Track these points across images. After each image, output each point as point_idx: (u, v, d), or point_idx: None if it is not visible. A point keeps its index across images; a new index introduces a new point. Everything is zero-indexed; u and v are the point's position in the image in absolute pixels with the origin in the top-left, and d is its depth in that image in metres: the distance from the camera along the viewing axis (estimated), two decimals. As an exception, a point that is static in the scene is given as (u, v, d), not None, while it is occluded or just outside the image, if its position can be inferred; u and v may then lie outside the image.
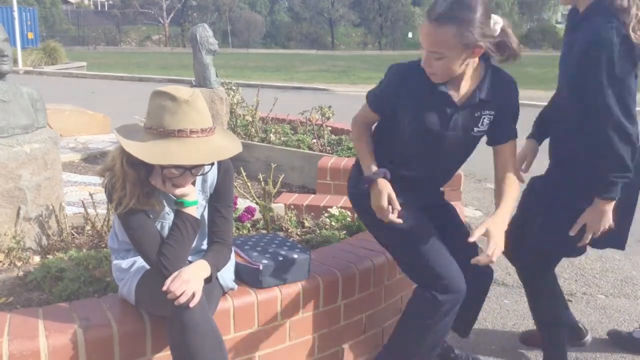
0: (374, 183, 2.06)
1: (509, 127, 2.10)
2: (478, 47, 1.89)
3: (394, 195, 2.02)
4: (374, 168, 2.11)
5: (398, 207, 2.01)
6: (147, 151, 1.71)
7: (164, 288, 1.71)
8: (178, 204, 1.86)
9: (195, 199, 1.88)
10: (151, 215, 1.86)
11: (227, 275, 2.03)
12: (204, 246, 2.04)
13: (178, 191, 1.83)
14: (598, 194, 2.10)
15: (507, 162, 2.10)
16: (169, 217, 1.91)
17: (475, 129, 2.06)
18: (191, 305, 1.70)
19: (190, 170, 1.79)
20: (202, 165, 1.82)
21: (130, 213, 1.80)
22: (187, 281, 1.73)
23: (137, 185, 1.80)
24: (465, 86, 2.01)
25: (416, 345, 2.15)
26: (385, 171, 2.07)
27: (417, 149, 2.12)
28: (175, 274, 1.75)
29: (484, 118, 2.04)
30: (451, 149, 2.11)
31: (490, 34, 1.90)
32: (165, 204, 1.91)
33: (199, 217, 1.91)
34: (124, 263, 1.97)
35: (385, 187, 2.03)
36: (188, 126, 1.71)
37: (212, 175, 1.97)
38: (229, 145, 1.84)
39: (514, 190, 2.07)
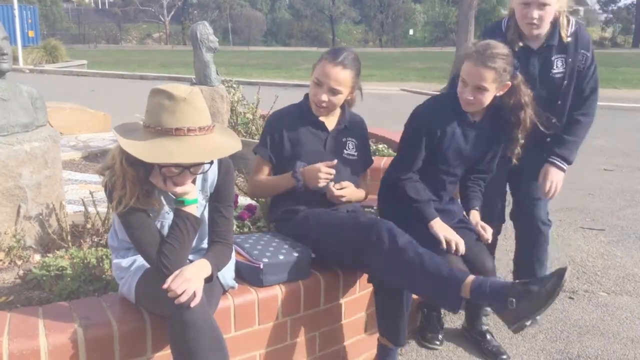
0: (301, 170, 2.44)
1: (367, 157, 2.70)
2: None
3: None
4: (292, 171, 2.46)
5: (333, 162, 2.41)
6: (145, 150, 1.69)
7: (165, 286, 1.70)
8: (178, 203, 1.85)
9: (195, 197, 1.87)
10: (151, 215, 1.86)
11: (227, 274, 2.03)
12: (204, 245, 2.03)
13: (179, 189, 1.82)
14: None
15: (362, 180, 2.67)
16: (168, 216, 1.90)
17: (345, 152, 2.56)
18: (192, 304, 1.69)
19: (189, 169, 1.78)
20: (202, 164, 1.81)
21: (130, 212, 1.79)
22: (189, 280, 1.72)
23: (136, 184, 1.79)
24: (333, 120, 2.57)
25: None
26: (302, 163, 2.44)
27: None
28: (176, 272, 1.75)
29: (349, 143, 2.58)
30: (337, 170, 2.44)
31: None
32: (165, 203, 1.90)
33: (199, 216, 1.90)
34: (124, 262, 1.96)
35: (312, 166, 2.41)
36: (186, 124, 1.70)
37: (213, 174, 1.96)
38: (228, 143, 1.82)
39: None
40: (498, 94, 2.39)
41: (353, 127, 2.62)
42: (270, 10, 53.59)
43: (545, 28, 2.53)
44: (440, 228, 2.36)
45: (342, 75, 2.42)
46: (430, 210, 2.42)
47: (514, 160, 2.55)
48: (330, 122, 2.57)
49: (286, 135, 2.52)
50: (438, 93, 2.80)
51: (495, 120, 2.49)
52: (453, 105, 2.45)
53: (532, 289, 1.97)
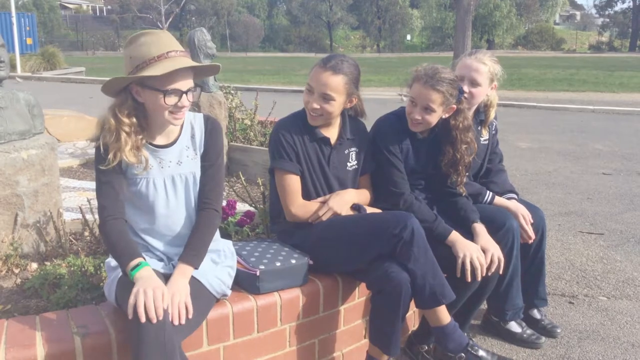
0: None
1: (367, 162, 2.56)
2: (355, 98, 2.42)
3: None
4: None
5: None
6: (155, 70, 1.81)
7: (138, 315, 1.65)
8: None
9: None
10: (136, 172, 1.93)
11: (214, 281, 1.98)
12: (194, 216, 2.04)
13: (178, 122, 1.92)
14: None
15: (362, 188, 2.56)
16: (152, 171, 1.95)
17: (348, 164, 2.51)
18: (182, 320, 1.73)
19: (186, 94, 1.87)
20: (195, 88, 1.94)
21: (108, 173, 1.89)
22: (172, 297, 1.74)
23: (131, 134, 1.87)
24: (335, 132, 2.48)
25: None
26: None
27: (314, 188, 2.44)
28: (149, 294, 1.69)
29: (351, 154, 2.51)
30: (338, 184, 2.48)
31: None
32: (151, 157, 1.94)
33: (191, 177, 2.00)
34: (113, 262, 1.94)
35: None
36: (172, 48, 1.86)
37: (200, 131, 2.04)
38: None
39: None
40: (444, 116, 2.52)
41: (355, 136, 2.51)
42: (267, 17, 53.77)
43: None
44: (462, 246, 2.36)
45: (332, 81, 2.31)
46: (442, 226, 2.43)
47: (461, 191, 2.58)
48: (332, 134, 2.46)
49: (296, 149, 2.39)
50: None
51: (441, 133, 2.58)
52: (403, 123, 2.56)
53: None
